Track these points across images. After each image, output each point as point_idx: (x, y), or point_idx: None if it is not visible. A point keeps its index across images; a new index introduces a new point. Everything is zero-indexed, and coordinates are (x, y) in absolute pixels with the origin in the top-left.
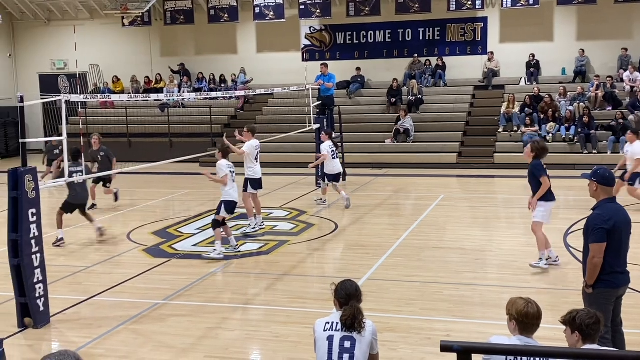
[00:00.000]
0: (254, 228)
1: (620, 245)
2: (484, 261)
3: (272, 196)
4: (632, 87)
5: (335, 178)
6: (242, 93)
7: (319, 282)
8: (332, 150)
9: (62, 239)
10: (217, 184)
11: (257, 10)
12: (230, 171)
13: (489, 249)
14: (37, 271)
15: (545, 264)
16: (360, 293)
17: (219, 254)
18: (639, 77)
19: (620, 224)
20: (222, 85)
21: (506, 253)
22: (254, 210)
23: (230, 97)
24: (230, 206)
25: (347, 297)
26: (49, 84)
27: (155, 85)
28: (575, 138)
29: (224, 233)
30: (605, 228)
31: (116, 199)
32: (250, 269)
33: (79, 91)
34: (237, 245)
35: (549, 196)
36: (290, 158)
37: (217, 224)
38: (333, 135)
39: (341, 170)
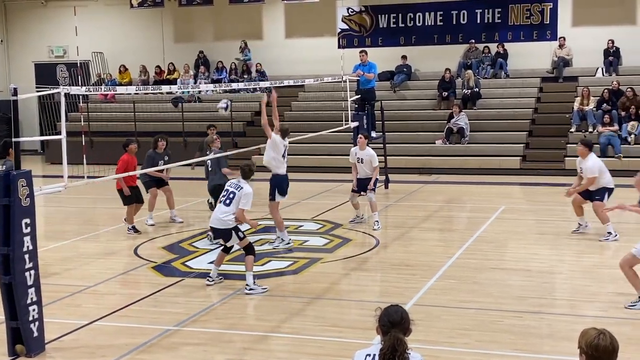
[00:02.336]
0: (288, 243)
1: None
2: (552, 285)
3: (302, 206)
4: None
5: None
6: (267, 84)
7: (356, 308)
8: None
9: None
10: None
11: None
12: None
13: (558, 271)
14: (31, 291)
15: None
16: (408, 321)
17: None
18: None
19: None
20: (245, 77)
21: (579, 276)
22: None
23: (255, 90)
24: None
25: (390, 324)
26: (45, 74)
27: (167, 77)
28: None
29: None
30: None
31: None
32: (277, 291)
33: (80, 83)
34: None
35: None
36: (323, 161)
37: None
38: (374, 135)
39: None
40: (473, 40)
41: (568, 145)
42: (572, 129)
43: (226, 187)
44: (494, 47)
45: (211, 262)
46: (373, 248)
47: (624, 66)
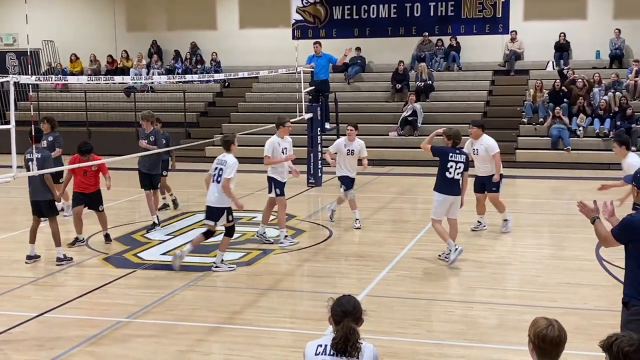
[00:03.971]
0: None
1: None
2: (503, 276)
3: (255, 197)
4: None
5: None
6: (221, 76)
7: (309, 299)
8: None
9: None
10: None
11: None
12: None
13: (508, 262)
14: None
15: None
16: (360, 311)
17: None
18: None
19: None
20: (199, 67)
21: (529, 267)
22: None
23: (208, 81)
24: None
25: (343, 314)
26: None
27: (120, 65)
28: (611, 133)
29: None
30: (632, 233)
31: None
32: (229, 282)
33: (30, 72)
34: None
35: None
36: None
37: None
38: (327, 127)
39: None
40: (427, 33)
41: (519, 138)
42: (525, 120)
43: (214, 166)
44: (447, 40)
45: (164, 253)
46: (326, 239)
47: (574, 60)
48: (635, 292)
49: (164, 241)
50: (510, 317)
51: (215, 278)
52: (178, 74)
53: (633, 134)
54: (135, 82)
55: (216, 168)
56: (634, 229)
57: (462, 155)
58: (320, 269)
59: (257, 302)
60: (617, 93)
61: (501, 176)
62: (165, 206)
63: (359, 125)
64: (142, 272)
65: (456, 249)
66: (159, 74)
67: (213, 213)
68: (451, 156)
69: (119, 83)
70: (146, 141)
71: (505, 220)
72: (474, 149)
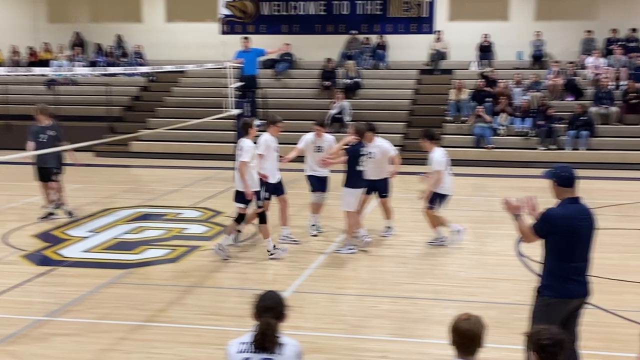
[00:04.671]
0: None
1: (574, 250)
2: (426, 271)
3: (182, 193)
4: (596, 75)
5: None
6: (146, 69)
7: (236, 296)
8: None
9: None
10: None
11: None
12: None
13: (432, 258)
14: None
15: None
16: (282, 307)
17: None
18: (603, 63)
19: (577, 227)
20: (124, 60)
21: (452, 262)
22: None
23: (133, 74)
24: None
25: (263, 310)
26: None
27: (42, 57)
28: (531, 132)
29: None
30: (552, 225)
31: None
32: (154, 280)
33: None
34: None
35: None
36: (204, 148)
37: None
38: (257, 123)
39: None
40: (354, 31)
41: (443, 135)
42: (451, 119)
43: (237, 152)
44: (374, 39)
45: (86, 250)
46: (253, 236)
47: (496, 60)
48: (548, 283)
49: (86, 238)
50: (433, 311)
51: (138, 276)
52: (102, 66)
53: (554, 133)
54: (57, 75)
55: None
56: (553, 222)
57: (367, 149)
58: (247, 265)
59: (182, 299)
60: (538, 93)
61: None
62: (50, 214)
63: (286, 121)
64: (63, 269)
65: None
66: (82, 67)
67: (242, 197)
68: (361, 150)
69: (39, 75)
70: (45, 137)
71: (389, 227)
72: (369, 152)
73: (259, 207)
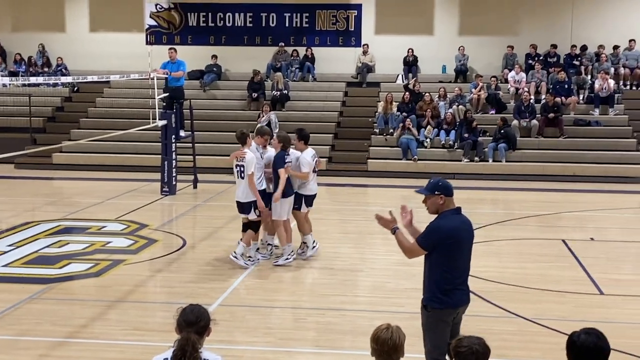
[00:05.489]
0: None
1: (459, 260)
2: (354, 283)
3: (106, 206)
4: (517, 89)
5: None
6: (69, 79)
7: (161, 310)
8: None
9: None
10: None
11: None
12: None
13: (359, 269)
14: None
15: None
16: (205, 321)
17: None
18: (524, 77)
19: (462, 238)
20: (46, 70)
21: (379, 273)
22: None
23: (56, 85)
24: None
25: (185, 324)
26: None
27: None
28: (456, 144)
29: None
30: (440, 238)
31: None
32: (76, 295)
33: None
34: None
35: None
36: (129, 160)
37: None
38: (182, 135)
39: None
40: (282, 43)
41: (371, 148)
42: (377, 131)
43: (236, 164)
44: (302, 51)
45: (5, 265)
46: (180, 248)
47: (422, 74)
48: (436, 295)
49: (5, 252)
50: (360, 322)
51: (60, 291)
52: (23, 76)
53: (479, 146)
54: None
55: (238, 166)
56: (441, 235)
57: (291, 157)
58: (174, 278)
59: (105, 314)
60: (461, 107)
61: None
62: None
63: (213, 133)
64: None
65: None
66: (2, 76)
67: (242, 207)
68: (286, 158)
69: None
70: None
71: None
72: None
73: (258, 216)
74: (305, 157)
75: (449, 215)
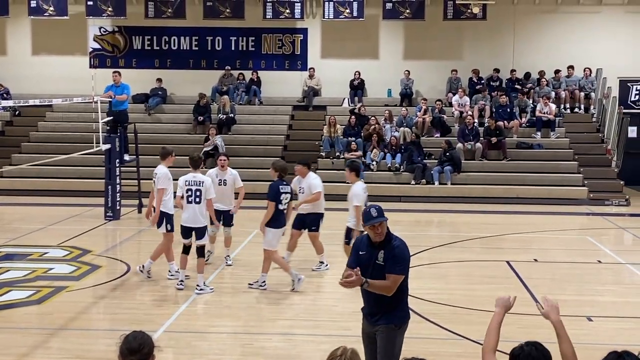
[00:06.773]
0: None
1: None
2: (301, 307)
3: (48, 231)
4: (461, 113)
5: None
6: (10, 103)
7: (105, 337)
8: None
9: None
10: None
11: (33, 3)
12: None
13: (308, 293)
14: None
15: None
16: (148, 348)
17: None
18: (468, 101)
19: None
20: None
21: (326, 297)
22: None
23: None
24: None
25: (128, 352)
26: None
27: None
28: (402, 167)
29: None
30: (409, 261)
31: None
32: (16, 323)
33: None
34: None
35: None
36: (72, 185)
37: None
38: (127, 159)
39: None
40: (228, 67)
41: (318, 170)
42: (323, 154)
43: (188, 188)
44: (248, 74)
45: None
46: (124, 274)
47: (368, 97)
48: (403, 312)
49: None
50: (308, 347)
51: (0, 319)
52: None
53: (427, 169)
54: None
55: (191, 190)
56: (409, 256)
57: (289, 187)
58: (117, 305)
59: (46, 343)
60: (407, 129)
61: (322, 215)
62: None
63: (159, 156)
64: None
65: (299, 278)
66: None
67: (195, 232)
68: (282, 189)
69: None
70: None
71: (322, 262)
72: (300, 187)
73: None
74: (355, 189)
75: (392, 235)
